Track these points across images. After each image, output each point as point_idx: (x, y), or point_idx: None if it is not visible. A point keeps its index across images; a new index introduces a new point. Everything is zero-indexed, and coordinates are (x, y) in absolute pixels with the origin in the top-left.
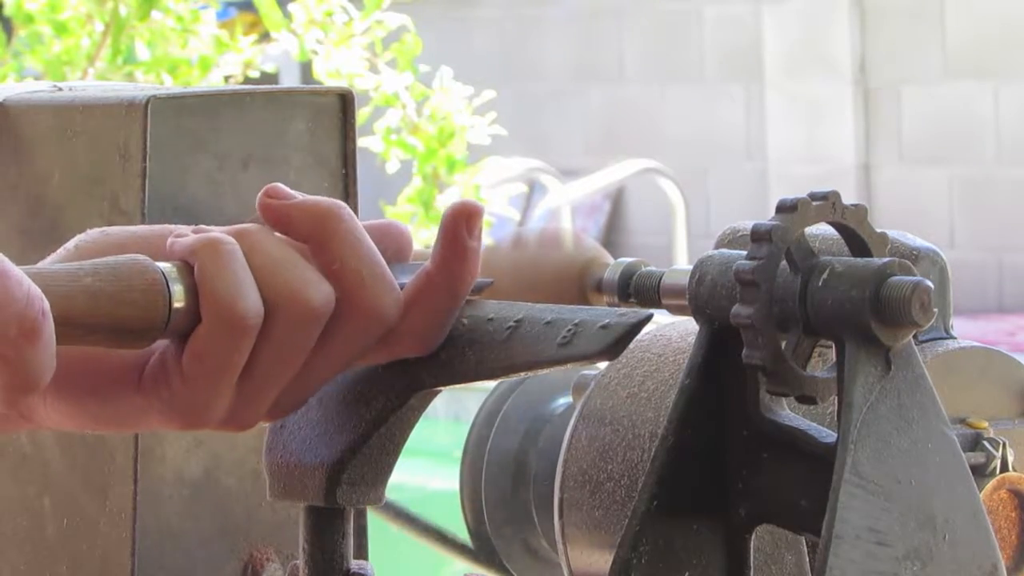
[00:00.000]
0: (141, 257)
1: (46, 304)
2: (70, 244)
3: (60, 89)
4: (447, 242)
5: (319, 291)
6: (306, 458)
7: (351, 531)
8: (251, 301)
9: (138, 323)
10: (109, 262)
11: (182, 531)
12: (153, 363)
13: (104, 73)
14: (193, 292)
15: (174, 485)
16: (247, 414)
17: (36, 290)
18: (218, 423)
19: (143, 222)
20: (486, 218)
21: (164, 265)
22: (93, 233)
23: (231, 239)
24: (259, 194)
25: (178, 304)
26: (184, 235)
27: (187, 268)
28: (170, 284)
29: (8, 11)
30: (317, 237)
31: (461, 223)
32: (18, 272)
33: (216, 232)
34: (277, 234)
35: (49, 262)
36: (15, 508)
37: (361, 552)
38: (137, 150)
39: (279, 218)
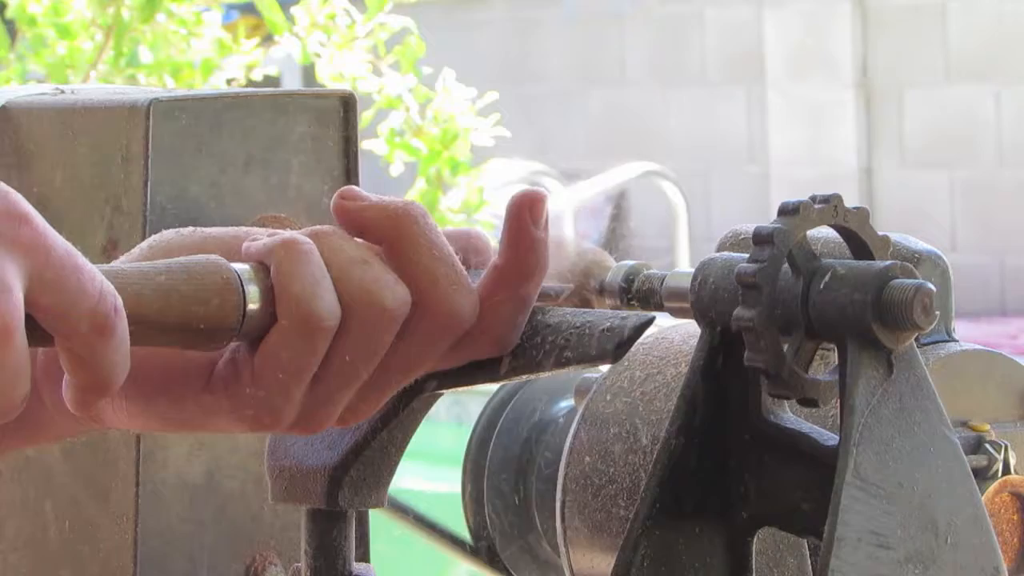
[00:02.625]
0: (215, 257)
1: (119, 301)
2: (143, 244)
3: (62, 92)
4: (513, 232)
5: (395, 292)
6: (308, 461)
7: (353, 534)
8: (328, 302)
9: (212, 324)
10: (183, 262)
11: (184, 534)
12: (224, 363)
13: (107, 76)
14: (269, 293)
15: (176, 488)
16: (318, 417)
17: (109, 286)
18: (288, 425)
19: (145, 225)
20: (489, 220)
21: (239, 266)
22: (168, 234)
23: (308, 240)
24: (334, 196)
25: (253, 305)
26: (259, 238)
27: (263, 269)
28: (245, 285)
29: (11, 13)
30: (392, 238)
31: (525, 212)
32: (91, 267)
33: (293, 233)
34: (355, 239)
35: (121, 262)
36: (17, 511)
37: (363, 555)
38: (139, 153)
39: (354, 220)
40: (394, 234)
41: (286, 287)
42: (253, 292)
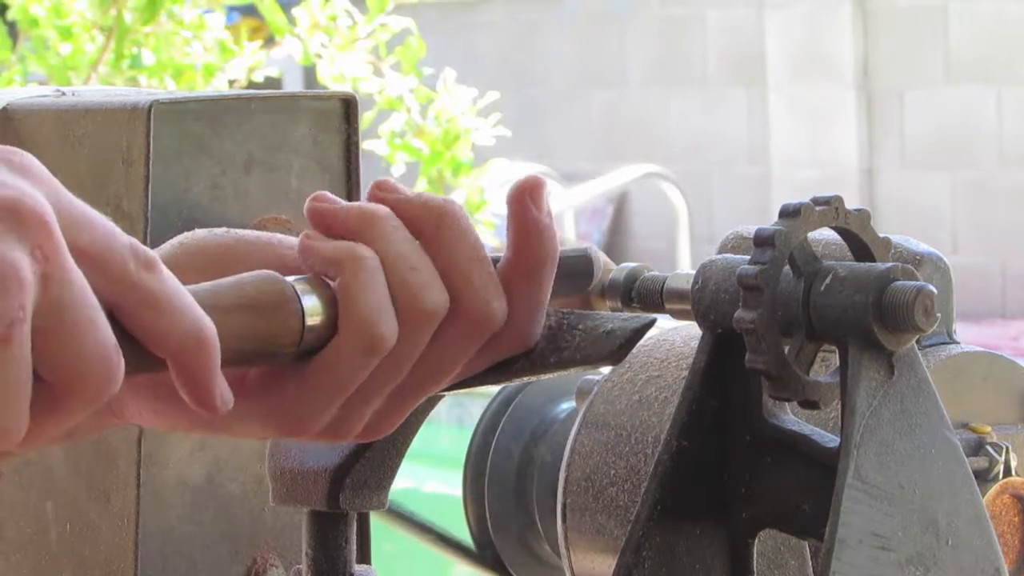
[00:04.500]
0: (272, 274)
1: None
2: (175, 241)
3: (63, 94)
4: (518, 221)
5: (434, 295)
6: (309, 463)
7: (354, 536)
8: (393, 323)
9: (273, 343)
10: (242, 280)
11: (185, 536)
12: (263, 370)
13: (108, 78)
14: (329, 307)
15: (177, 490)
16: (348, 426)
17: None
18: (316, 434)
19: (146, 226)
20: (490, 219)
21: (295, 280)
22: (200, 233)
23: (373, 255)
24: (370, 186)
25: (312, 321)
26: (315, 242)
27: (320, 283)
28: (303, 301)
29: (13, 15)
30: (431, 233)
31: (526, 199)
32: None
33: (355, 245)
34: (401, 227)
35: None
36: (18, 513)
37: (364, 557)
38: (140, 155)
39: (400, 209)
40: (434, 230)
41: (352, 306)
42: (312, 307)
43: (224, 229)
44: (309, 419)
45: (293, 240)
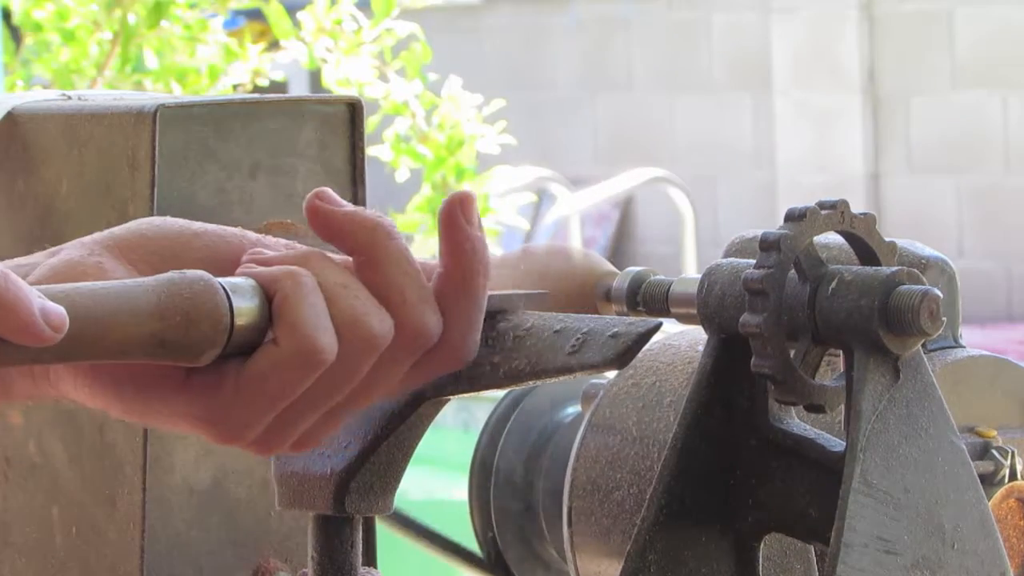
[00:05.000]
0: (202, 274)
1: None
2: (133, 224)
3: (69, 98)
4: (449, 235)
5: (381, 320)
6: (315, 467)
7: (360, 540)
8: (330, 337)
9: (193, 341)
10: (175, 279)
11: (191, 540)
12: (206, 371)
13: (113, 82)
14: (262, 311)
15: (183, 494)
16: (278, 439)
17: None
18: (247, 443)
19: None
20: (495, 227)
21: (233, 281)
22: (157, 221)
23: (310, 273)
24: (309, 195)
25: (241, 322)
26: (259, 251)
27: (260, 290)
28: (234, 301)
29: (16, 19)
30: (365, 251)
31: (458, 213)
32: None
33: (295, 268)
34: (335, 259)
35: (95, 240)
36: (24, 517)
37: (369, 560)
38: (146, 159)
39: (329, 224)
40: (367, 246)
41: (291, 319)
42: (245, 308)
43: (186, 222)
44: (242, 427)
45: (260, 239)
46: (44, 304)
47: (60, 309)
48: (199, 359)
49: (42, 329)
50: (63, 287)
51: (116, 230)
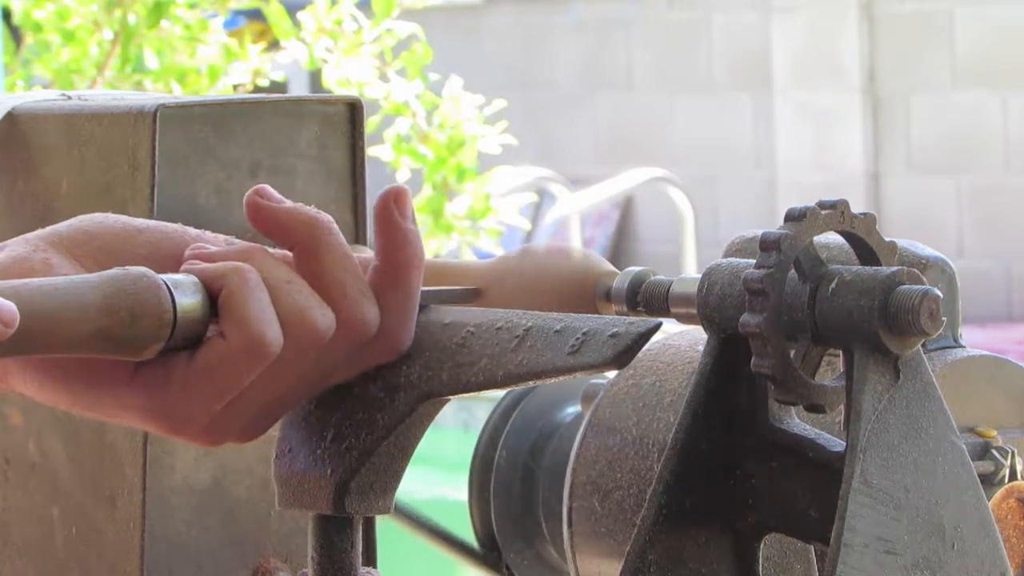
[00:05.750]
0: (145, 271)
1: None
2: (75, 220)
3: (69, 98)
4: (384, 229)
5: (324, 315)
6: (315, 467)
7: (360, 540)
8: (276, 330)
9: (142, 337)
10: (118, 276)
11: (191, 540)
12: (154, 364)
13: (113, 82)
14: (204, 308)
15: (183, 494)
16: (225, 431)
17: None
18: (193, 435)
19: None
20: (495, 227)
21: (175, 278)
22: (99, 217)
23: (253, 268)
24: (248, 192)
25: (184, 317)
26: (201, 246)
27: (200, 284)
28: (177, 297)
29: (16, 19)
30: (305, 245)
31: (391, 207)
32: None
33: (238, 264)
34: (276, 254)
35: (39, 236)
36: (24, 517)
37: (369, 560)
38: (146, 159)
39: (269, 220)
40: (307, 241)
41: (237, 313)
42: (189, 304)
43: (128, 219)
44: (189, 419)
45: (200, 234)
46: None
47: (11, 305)
48: (143, 353)
49: None
50: (11, 283)
51: (59, 227)
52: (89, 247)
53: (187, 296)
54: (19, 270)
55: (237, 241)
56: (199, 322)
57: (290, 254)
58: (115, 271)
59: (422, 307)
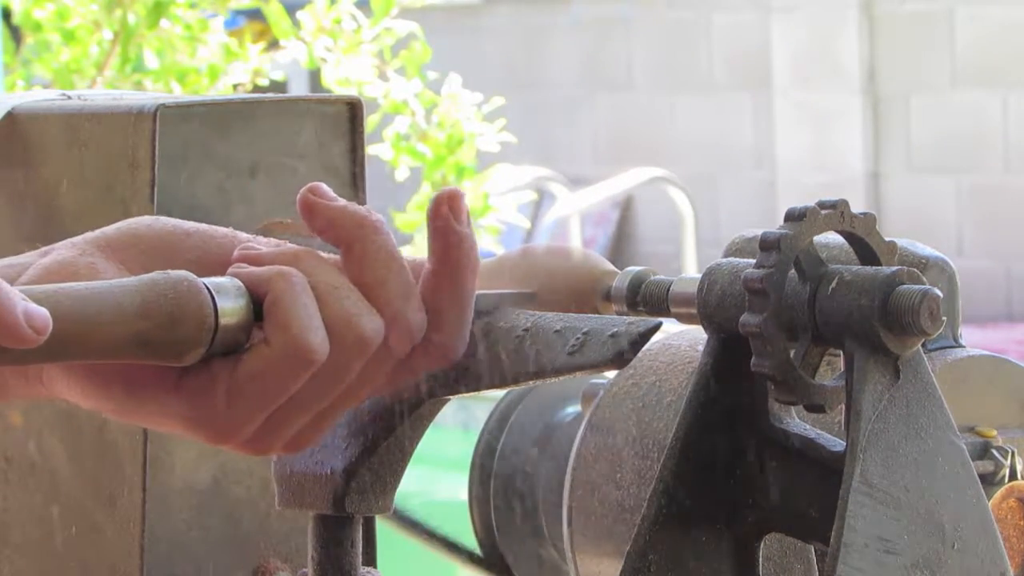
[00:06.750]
0: (186, 274)
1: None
2: (123, 224)
3: (69, 98)
4: (437, 233)
5: (372, 322)
6: (315, 467)
7: (360, 539)
8: (321, 337)
9: (182, 342)
10: (158, 280)
11: (191, 540)
12: (198, 371)
13: (113, 81)
14: (248, 313)
15: (183, 494)
16: (270, 440)
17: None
18: (239, 444)
19: None
20: (495, 226)
21: (217, 281)
22: (147, 220)
23: (300, 272)
24: (302, 189)
25: (227, 322)
26: (250, 248)
27: (244, 288)
28: (218, 302)
29: (16, 19)
30: (353, 246)
31: (446, 210)
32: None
33: (285, 268)
34: (326, 259)
35: (85, 240)
36: (24, 517)
37: (370, 560)
38: (146, 158)
39: (320, 218)
40: (355, 241)
41: (283, 319)
42: (231, 309)
43: (177, 222)
44: (234, 428)
45: (251, 238)
46: (27, 306)
47: (43, 311)
48: (184, 359)
49: (25, 331)
50: (47, 288)
51: (107, 230)
52: (136, 250)
53: (230, 301)
54: (64, 274)
55: (288, 244)
56: (242, 328)
57: (339, 259)
58: (155, 274)
59: (482, 313)
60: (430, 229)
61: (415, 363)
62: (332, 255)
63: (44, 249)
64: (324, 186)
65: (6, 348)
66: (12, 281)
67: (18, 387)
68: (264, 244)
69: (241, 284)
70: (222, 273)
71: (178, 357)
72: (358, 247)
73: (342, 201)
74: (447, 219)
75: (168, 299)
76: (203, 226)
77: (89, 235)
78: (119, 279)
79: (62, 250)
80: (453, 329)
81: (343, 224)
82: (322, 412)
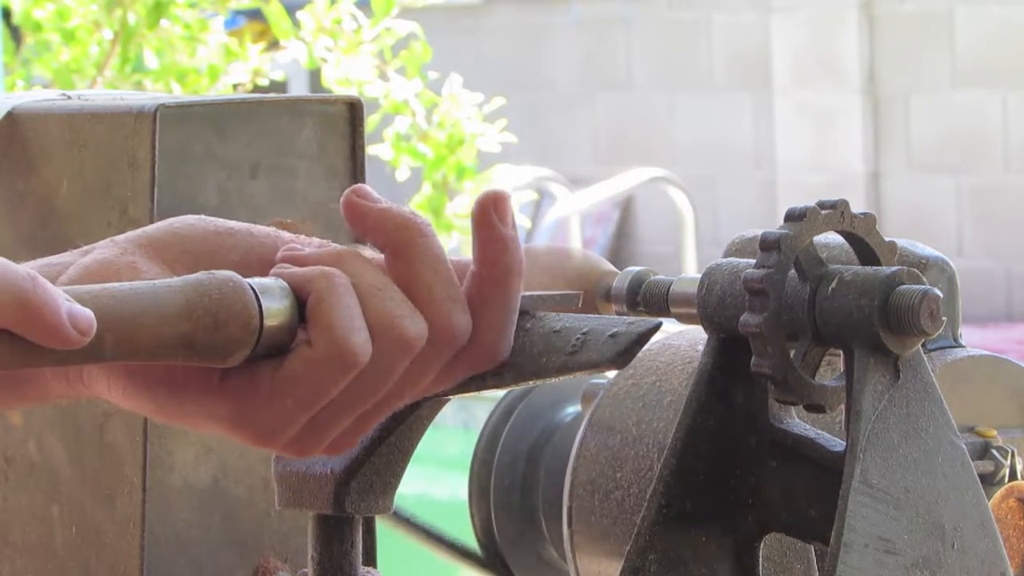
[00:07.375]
0: (231, 275)
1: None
2: (164, 223)
3: (69, 98)
4: (482, 235)
5: (415, 323)
6: (315, 467)
7: (360, 539)
8: (364, 338)
9: (227, 343)
10: (203, 280)
11: (191, 540)
12: (241, 372)
13: (113, 81)
14: (293, 314)
15: (183, 494)
16: (312, 442)
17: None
18: (282, 446)
19: None
20: None
21: (262, 282)
22: (191, 219)
23: (343, 273)
24: (346, 192)
25: (271, 323)
26: (294, 247)
27: (289, 289)
28: (264, 302)
29: (16, 19)
30: (398, 248)
31: (491, 213)
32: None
33: (328, 269)
34: (369, 259)
35: (127, 239)
36: (24, 517)
37: (369, 560)
38: (146, 159)
39: (364, 219)
40: (399, 243)
41: (325, 320)
42: (276, 310)
43: (221, 221)
44: (276, 429)
45: (295, 238)
46: (72, 307)
47: (88, 312)
48: (228, 360)
49: (69, 332)
50: (91, 288)
51: (149, 229)
52: (178, 250)
53: (275, 301)
54: (105, 274)
55: (331, 244)
56: (287, 329)
57: (383, 259)
58: (200, 275)
59: (524, 313)
60: (475, 232)
61: (459, 365)
62: (376, 255)
63: (84, 248)
64: (368, 187)
65: (51, 349)
66: (53, 281)
67: (59, 388)
68: (307, 244)
69: (286, 285)
70: (264, 273)
71: (223, 358)
72: (404, 249)
73: (386, 202)
74: (493, 222)
75: (213, 300)
76: (245, 225)
77: (131, 234)
78: (164, 279)
79: (103, 249)
80: (498, 331)
81: (389, 226)
82: (365, 414)
